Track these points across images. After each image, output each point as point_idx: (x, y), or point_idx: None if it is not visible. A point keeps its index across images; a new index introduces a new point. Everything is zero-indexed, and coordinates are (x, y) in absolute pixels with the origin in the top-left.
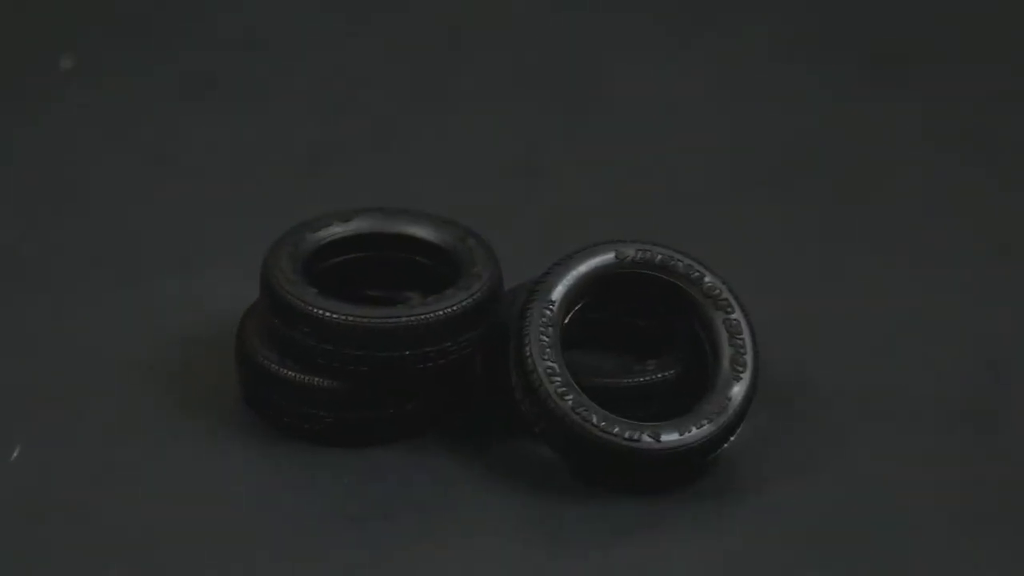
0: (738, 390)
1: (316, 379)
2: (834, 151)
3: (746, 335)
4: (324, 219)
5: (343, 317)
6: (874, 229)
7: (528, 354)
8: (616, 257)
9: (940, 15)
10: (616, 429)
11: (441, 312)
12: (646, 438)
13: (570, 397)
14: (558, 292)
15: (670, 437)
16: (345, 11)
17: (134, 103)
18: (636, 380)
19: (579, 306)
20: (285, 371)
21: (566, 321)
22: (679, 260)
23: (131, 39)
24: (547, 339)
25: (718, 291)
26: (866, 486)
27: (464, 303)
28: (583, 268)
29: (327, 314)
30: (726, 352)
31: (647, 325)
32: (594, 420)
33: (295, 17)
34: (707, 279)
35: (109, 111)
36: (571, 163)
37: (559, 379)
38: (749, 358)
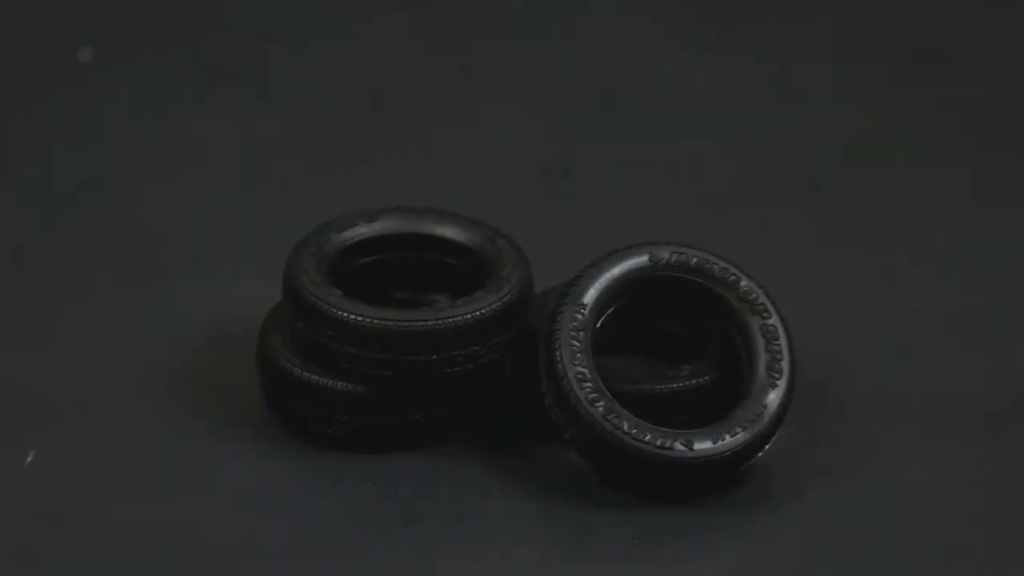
0: (774, 397)
1: (340, 383)
2: (866, 155)
3: (783, 341)
4: (349, 219)
5: (368, 320)
6: (906, 230)
7: (558, 359)
8: (650, 260)
9: (961, 16)
10: (648, 436)
11: (469, 315)
12: (678, 446)
13: (601, 403)
14: (590, 295)
15: (703, 445)
16: (369, 3)
17: (148, 96)
18: (669, 386)
19: (611, 310)
20: (308, 375)
21: (598, 325)
22: (715, 263)
23: (144, 29)
24: (578, 344)
25: (755, 295)
26: (906, 496)
27: (493, 306)
28: (616, 271)
29: (352, 317)
30: (762, 358)
31: (681, 330)
32: (625, 427)
33: (317, 8)
34: (743, 283)
35: (122, 104)
36: (605, 162)
37: (590, 385)
38: (786, 364)
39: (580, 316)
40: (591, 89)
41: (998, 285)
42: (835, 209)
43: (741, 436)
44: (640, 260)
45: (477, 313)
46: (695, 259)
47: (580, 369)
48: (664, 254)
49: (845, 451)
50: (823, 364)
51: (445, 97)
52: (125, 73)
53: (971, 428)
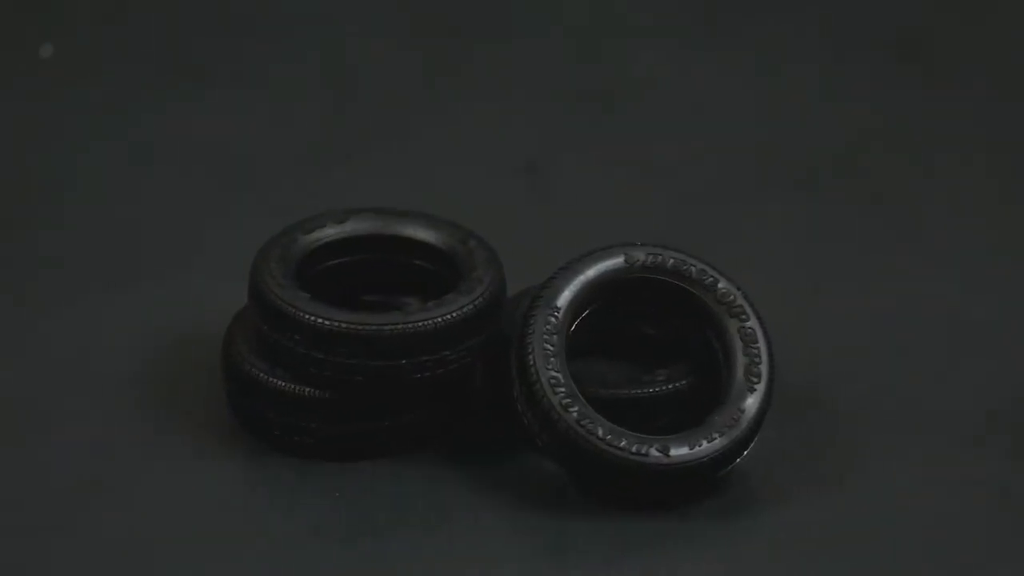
0: (752, 402)
1: (307, 389)
2: (855, 154)
3: (761, 344)
4: (317, 220)
5: (336, 323)
6: (894, 232)
7: (531, 363)
8: (625, 261)
9: (957, 14)
10: (623, 443)
11: (440, 319)
12: (654, 452)
13: (575, 408)
14: (564, 298)
15: (680, 451)
16: (350, 4)
17: (119, 95)
18: (645, 391)
19: (586, 313)
20: (274, 380)
21: (572, 328)
22: (692, 265)
23: (121, 29)
24: (551, 347)
25: (732, 297)
26: (883, 502)
27: (465, 309)
28: (591, 272)
29: (319, 320)
30: (740, 362)
31: (657, 333)
32: (600, 433)
33: (291, 6)
34: (721, 285)
35: (91, 103)
36: (579, 162)
37: (563, 389)
38: (764, 368)
39: (553, 319)
40: (574, 88)
41: (993, 286)
42: (829, 209)
43: (719, 441)
44: (615, 262)
45: (448, 316)
46: (671, 260)
47: (553, 373)
48: (640, 255)
49: (826, 456)
50: (812, 366)
51: (423, 97)
52: (97, 72)
53: (961, 432)
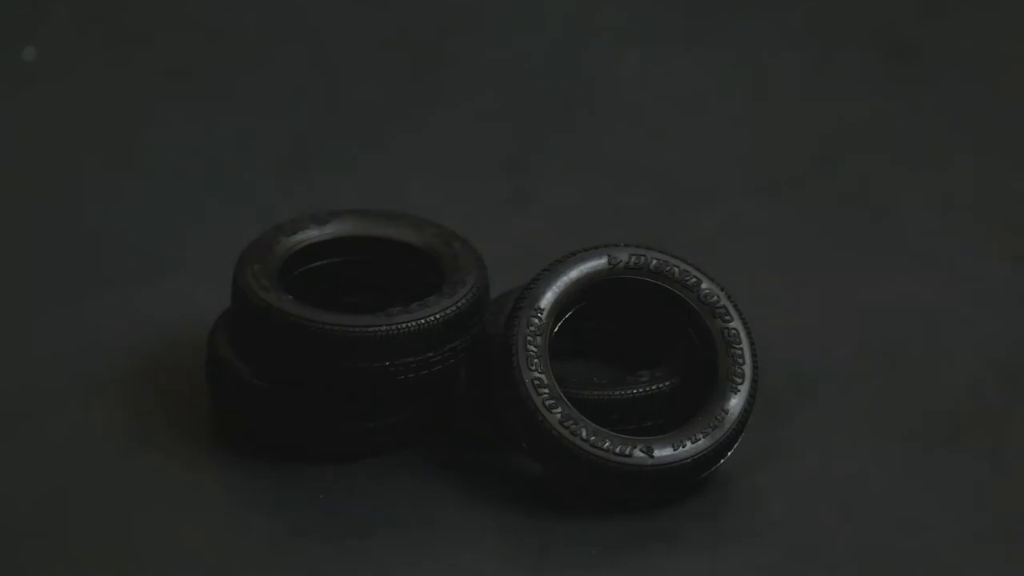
0: (735, 403)
1: (290, 391)
2: (837, 154)
3: (744, 345)
4: (300, 221)
5: (319, 325)
6: (878, 235)
7: (515, 364)
8: (608, 262)
9: (947, 12)
10: (606, 444)
11: (423, 320)
12: (638, 453)
13: (558, 410)
14: (547, 299)
15: (663, 452)
16: (328, 5)
17: (101, 96)
18: (628, 392)
19: (569, 314)
20: (257, 382)
21: (555, 330)
22: (674, 266)
23: (98, 28)
24: (535, 349)
25: (715, 298)
26: (868, 504)
27: (448, 311)
28: (574, 274)
29: (302, 322)
30: (723, 363)
31: (640, 334)
32: (583, 434)
33: (270, 9)
34: (704, 286)
35: (75, 105)
36: (563, 163)
37: (547, 391)
38: (747, 369)
39: (537, 320)
40: (557, 86)
41: (973, 285)
42: (812, 210)
43: (702, 442)
44: (598, 263)
45: (431, 318)
46: (654, 261)
47: (537, 375)
48: (623, 256)
49: (809, 456)
50: (794, 367)
51: (405, 97)
52: (81, 75)
53: (942, 431)
